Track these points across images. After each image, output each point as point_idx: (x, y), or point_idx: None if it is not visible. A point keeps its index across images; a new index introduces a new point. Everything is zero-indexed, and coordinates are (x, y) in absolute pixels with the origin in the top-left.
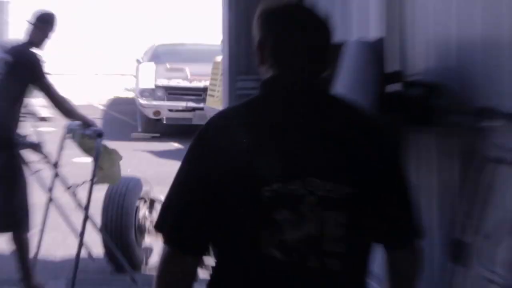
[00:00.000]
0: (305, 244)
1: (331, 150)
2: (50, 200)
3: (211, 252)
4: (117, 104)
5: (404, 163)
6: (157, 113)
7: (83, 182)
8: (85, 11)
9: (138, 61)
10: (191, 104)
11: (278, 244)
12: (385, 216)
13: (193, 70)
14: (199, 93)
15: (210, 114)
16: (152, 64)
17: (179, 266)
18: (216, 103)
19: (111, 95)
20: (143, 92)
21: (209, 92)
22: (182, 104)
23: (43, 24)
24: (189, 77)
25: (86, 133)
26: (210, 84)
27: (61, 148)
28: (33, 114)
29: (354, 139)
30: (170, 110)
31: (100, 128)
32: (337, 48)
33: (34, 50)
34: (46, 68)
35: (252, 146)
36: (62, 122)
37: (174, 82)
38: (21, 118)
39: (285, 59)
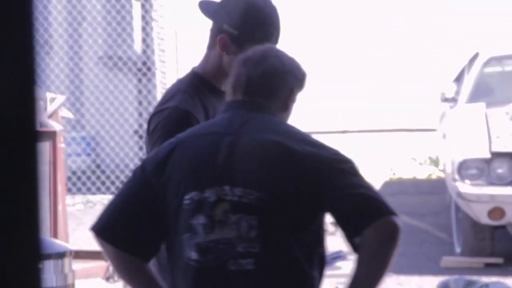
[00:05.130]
0: (220, 246)
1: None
2: None
3: None
4: (402, 192)
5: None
6: (496, 212)
7: None
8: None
9: (446, 99)
10: None
11: (195, 247)
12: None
13: None
14: None
15: None
16: (481, 106)
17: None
18: None
19: (388, 174)
20: (464, 168)
21: None
22: None
23: (212, 25)
24: None
25: None
26: None
27: None
28: None
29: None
30: None
31: None
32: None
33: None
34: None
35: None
36: None
37: None
38: None
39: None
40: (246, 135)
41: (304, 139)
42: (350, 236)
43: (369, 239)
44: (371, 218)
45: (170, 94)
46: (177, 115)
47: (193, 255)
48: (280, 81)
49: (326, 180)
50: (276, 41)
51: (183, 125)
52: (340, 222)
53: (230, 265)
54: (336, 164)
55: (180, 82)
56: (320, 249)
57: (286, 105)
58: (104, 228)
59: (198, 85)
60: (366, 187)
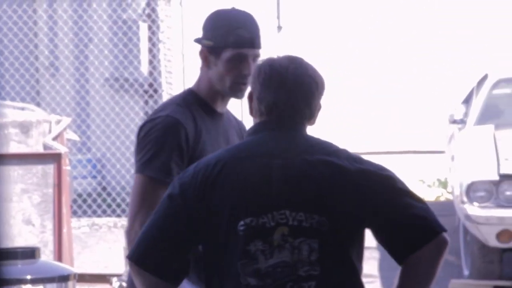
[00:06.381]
0: (278, 269)
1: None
2: None
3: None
4: None
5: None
6: (505, 235)
7: None
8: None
9: (454, 121)
10: None
11: (253, 272)
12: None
13: None
14: None
15: None
16: (489, 128)
17: None
18: None
19: None
20: (472, 190)
21: None
22: None
23: (200, 42)
24: None
25: None
26: None
27: None
28: None
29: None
30: None
31: None
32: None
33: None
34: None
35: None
36: None
37: None
38: None
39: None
40: (296, 157)
41: (349, 156)
42: (405, 252)
43: (425, 256)
44: (429, 237)
45: (163, 106)
46: (168, 123)
47: (252, 281)
48: (316, 101)
49: (380, 198)
50: (252, 45)
51: (172, 132)
52: (391, 239)
53: (288, 287)
54: (386, 181)
55: (174, 97)
56: (361, 263)
57: (314, 121)
58: (143, 257)
59: (192, 101)
60: (418, 206)
